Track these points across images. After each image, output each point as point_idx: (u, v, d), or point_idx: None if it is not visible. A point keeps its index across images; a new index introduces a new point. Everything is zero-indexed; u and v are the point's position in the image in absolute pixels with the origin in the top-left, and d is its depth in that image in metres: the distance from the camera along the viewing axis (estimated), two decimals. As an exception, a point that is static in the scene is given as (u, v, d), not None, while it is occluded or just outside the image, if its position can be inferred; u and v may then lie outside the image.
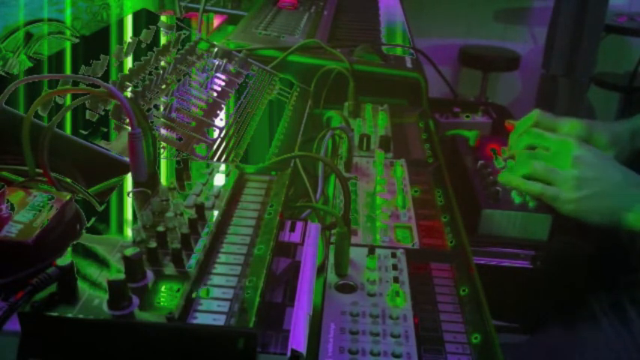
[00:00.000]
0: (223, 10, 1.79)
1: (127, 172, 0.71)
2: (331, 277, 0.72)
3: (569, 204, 0.86)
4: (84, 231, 0.61)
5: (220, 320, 0.49)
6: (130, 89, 0.93)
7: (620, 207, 0.84)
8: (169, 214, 0.62)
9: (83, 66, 0.94)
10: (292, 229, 0.68)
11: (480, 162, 1.08)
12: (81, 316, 0.49)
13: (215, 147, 0.90)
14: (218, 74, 1.11)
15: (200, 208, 0.63)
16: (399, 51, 1.46)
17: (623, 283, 1.00)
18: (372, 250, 0.75)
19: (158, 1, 1.66)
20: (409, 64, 1.35)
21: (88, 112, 0.84)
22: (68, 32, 1.17)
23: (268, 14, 1.64)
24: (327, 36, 1.52)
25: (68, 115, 0.80)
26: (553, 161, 0.88)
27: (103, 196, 0.73)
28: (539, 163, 0.89)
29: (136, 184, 0.69)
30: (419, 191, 0.92)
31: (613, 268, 1.05)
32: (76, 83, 0.83)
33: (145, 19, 1.19)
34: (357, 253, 0.75)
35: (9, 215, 0.61)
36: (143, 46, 1.11)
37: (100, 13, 1.34)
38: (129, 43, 1.07)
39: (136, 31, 1.14)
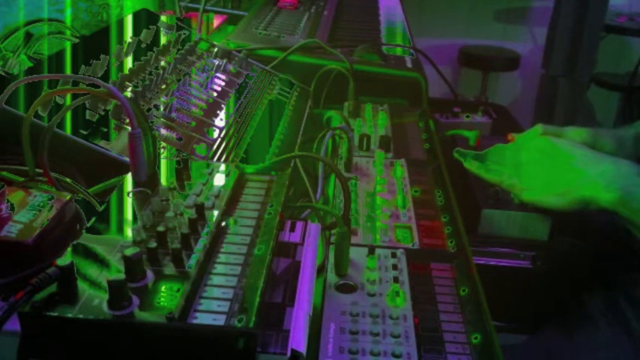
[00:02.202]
0: (223, 10, 1.79)
1: (127, 172, 0.71)
2: (331, 277, 0.72)
3: (525, 190, 0.87)
4: (84, 231, 0.61)
5: (220, 320, 0.49)
6: (130, 89, 0.93)
7: (576, 185, 0.81)
8: (169, 214, 0.62)
9: (83, 66, 0.94)
10: (292, 229, 0.68)
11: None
12: (81, 316, 0.49)
13: (215, 147, 0.90)
14: (218, 74, 1.11)
15: (200, 208, 0.63)
16: (399, 51, 1.46)
17: (622, 283, 1.00)
18: (372, 250, 0.75)
19: (158, 1, 1.66)
20: (409, 64, 1.35)
21: (88, 112, 0.84)
22: (68, 32, 1.17)
23: (268, 14, 1.64)
24: (327, 36, 1.52)
25: (68, 115, 0.80)
26: (517, 152, 0.90)
27: (103, 196, 0.73)
28: (499, 154, 0.90)
29: (136, 184, 0.69)
30: (419, 191, 0.92)
31: (612, 268, 1.05)
32: (76, 83, 0.83)
33: (145, 19, 1.19)
34: (357, 253, 0.75)
35: (9, 215, 0.61)
36: (143, 46, 1.11)
37: (100, 13, 1.34)
38: (129, 43, 1.07)
39: (136, 31, 1.14)
